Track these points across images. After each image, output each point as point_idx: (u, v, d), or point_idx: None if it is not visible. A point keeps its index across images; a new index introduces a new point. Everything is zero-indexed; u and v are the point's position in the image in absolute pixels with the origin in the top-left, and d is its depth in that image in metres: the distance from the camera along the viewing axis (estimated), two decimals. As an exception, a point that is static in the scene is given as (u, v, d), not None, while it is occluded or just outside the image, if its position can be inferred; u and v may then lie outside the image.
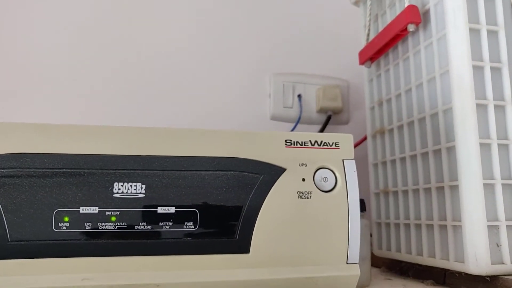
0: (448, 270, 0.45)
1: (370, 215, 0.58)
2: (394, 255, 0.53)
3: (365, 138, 0.63)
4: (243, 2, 0.79)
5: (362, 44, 0.60)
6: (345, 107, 0.80)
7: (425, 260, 0.47)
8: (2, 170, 0.30)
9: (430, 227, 0.46)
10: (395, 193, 0.53)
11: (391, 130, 0.54)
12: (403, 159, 0.52)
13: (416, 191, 0.49)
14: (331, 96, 0.78)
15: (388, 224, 0.55)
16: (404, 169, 0.51)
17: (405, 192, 0.51)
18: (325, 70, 0.80)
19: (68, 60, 0.70)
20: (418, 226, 0.48)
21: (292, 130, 0.75)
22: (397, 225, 0.53)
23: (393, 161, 0.54)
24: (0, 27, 0.68)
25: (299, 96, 0.78)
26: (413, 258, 0.49)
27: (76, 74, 0.70)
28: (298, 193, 0.33)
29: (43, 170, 0.30)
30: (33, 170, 0.30)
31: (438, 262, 0.45)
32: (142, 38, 0.73)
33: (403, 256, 0.51)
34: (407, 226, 0.51)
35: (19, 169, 0.30)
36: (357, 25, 0.66)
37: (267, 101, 0.77)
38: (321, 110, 0.78)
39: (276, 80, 0.77)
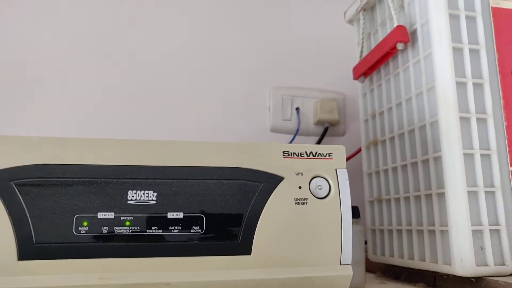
0: (438, 272, 0.48)
1: (365, 222, 0.61)
2: (388, 259, 0.56)
3: (359, 150, 0.66)
4: (244, 19, 0.83)
5: (356, 60, 0.63)
6: (342, 119, 0.83)
7: (416, 263, 0.50)
8: (28, 180, 0.33)
9: (420, 232, 0.50)
10: (388, 201, 0.56)
11: (383, 142, 0.58)
12: (394, 169, 0.55)
13: (407, 198, 0.52)
14: (328, 109, 0.81)
15: (382, 230, 0.58)
16: (396, 178, 0.55)
17: (397, 200, 0.54)
18: (322, 84, 0.84)
19: (67, 68, 0.73)
20: (410, 232, 0.51)
21: (291, 141, 0.79)
22: (390, 231, 0.56)
23: (385, 171, 0.57)
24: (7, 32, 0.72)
25: (297, 109, 0.81)
26: (405, 262, 0.52)
27: (75, 83, 0.73)
28: (295, 199, 0.37)
29: (64, 179, 0.33)
30: (56, 179, 0.33)
31: (428, 265, 0.48)
32: (142, 51, 0.77)
33: (396, 261, 0.54)
34: (399, 231, 0.54)
35: (43, 179, 0.33)
36: (353, 41, 0.70)
37: (266, 113, 0.81)
38: (318, 122, 0.81)
39: (275, 93, 0.81)
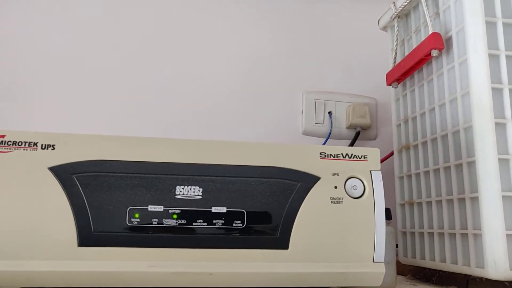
0: (470, 276, 0.48)
1: (396, 225, 0.62)
2: (419, 262, 0.57)
3: (391, 154, 0.67)
4: (279, 25, 0.85)
5: (390, 66, 0.64)
6: (373, 123, 0.84)
7: (448, 266, 0.51)
8: (88, 174, 0.36)
9: (452, 235, 0.50)
10: (419, 204, 0.57)
11: (415, 146, 0.59)
12: (427, 173, 0.56)
13: (439, 202, 0.53)
14: (360, 113, 0.82)
15: (413, 233, 0.58)
16: (428, 182, 0.55)
17: (429, 203, 0.55)
18: (354, 89, 0.85)
19: (119, 80, 0.78)
20: (441, 235, 0.52)
21: (323, 145, 0.80)
22: (421, 234, 0.56)
23: (417, 174, 0.58)
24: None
25: (330, 113, 0.83)
26: (437, 265, 0.53)
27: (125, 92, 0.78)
28: (331, 198, 0.38)
29: (119, 174, 0.37)
30: (112, 174, 0.37)
31: (460, 268, 0.49)
32: (187, 59, 0.81)
33: (427, 263, 0.55)
34: (431, 234, 0.54)
35: (100, 173, 0.36)
36: (385, 48, 0.71)
37: (299, 117, 0.83)
38: (350, 126, 0.82)
39: (308, 97, 0.83)
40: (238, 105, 0.81)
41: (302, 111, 0.83)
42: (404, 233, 0.60)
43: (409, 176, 0.60)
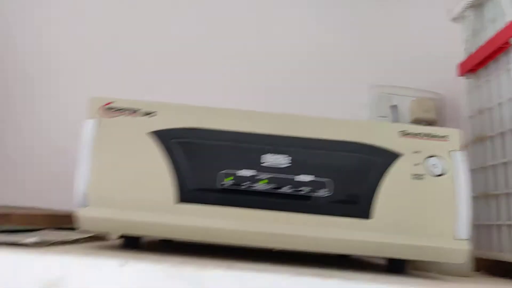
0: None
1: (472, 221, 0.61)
2: (496, 255, 0.56)
3: (464, 146, 0.66)
4: (345, 22, 0.87)
5: (461, 57, 0.64)
6: (439, 119, 0.83)
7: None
8: (185, 140, 0.40)
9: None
10: (496, 196, 0.56)
11: (492, 137, 0.58)
12: (505, 164, 0.55)
13: (517, 193, 0.52)
14: (425, 108, 0.82)
15: (488, 226, 0.58)
16: (506, 173, 0.55)
17: (508, 195, 0.54)
18: (419, 83, 0.85)
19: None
20: (518, 226, 0.52)
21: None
22: (499, 227, 0.56)
23: (494, 166, 0.57)
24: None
25: (394, 106, 0.83)
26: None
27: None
28: (412, 175, 0.40)
29: (213, 141, 0.40)
30: (206, 141, 0.40)
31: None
32: (267, 49, 0.84)
33: (506, 257, 0.54)
34: (510, 227, 0.53)
35: (197, 140, 0.40)
36: (451, 43, 0.71)
37: (363, 110, 0.84)
38: (414, 121, 0.82)
39: (372, 91, 0.83)
40: (303, 97, 0.83)
41: (367, 104, 0.84)
42: (477, 226, 0.60)
43: (484, 168, 0.60)
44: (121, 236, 0.47)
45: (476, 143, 0.62)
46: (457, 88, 0.75)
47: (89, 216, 0.40)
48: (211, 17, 0.86)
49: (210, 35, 0.86)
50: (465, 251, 0.39)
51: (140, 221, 0.39)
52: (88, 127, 0.40)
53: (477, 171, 0.61)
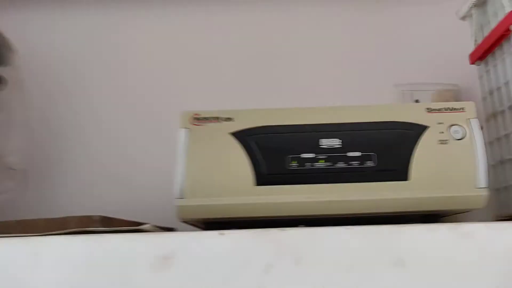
0: None
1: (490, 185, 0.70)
2: (515, 211, 0.65)
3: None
4: (367, 25, 0.99)
5: (467, 54, 0.75)
6: (459, 106, 0.93)
7: (545, 206, 0.59)
8: (257, 135, 0.52)
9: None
10: (511, 160, 0.66)
11: (502, 112, 0.68)
12: (517, 132, 0.64)
13: (531, 154, 0.61)
14: (445, 99, 0.92)
15: (507, 188, 0.67)
16: (518, 140, 0.64)
17: (522, 157, 0.63)
18: (438, 78, 0.95)
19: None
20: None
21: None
22: (516, 186, 0.65)
23: (506, 136, 0.67)
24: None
25: (417, 101, 0.93)
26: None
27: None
28: (439, 141, 0.50)
29: (280, 134, 0.52)
30: (273, 134, 0.52)
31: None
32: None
33: (525, 210, 0.63)
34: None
35: (266, 134, 0.52)
36: (462, 40, 0.81)
37: (389, 107, 0.94)
38: (437, 111, 0.92)
39: (396, 89, 0.94)
40: (334, 99, 0.94)
41: (393, 102, 0.94)
42: (498, 190, 0.69)
43: (499, 139, 0.69)
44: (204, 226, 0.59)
45: (489, 120, 0.71)
46: (470, 78, 0.85)
47: (186, 205, 0.51)
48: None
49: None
50: (485, 196, 0.49)
51: (227, 203, 0.50)
52: (182, 135, 0.52)
53: (493, 143, 0.70)
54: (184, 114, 0.53)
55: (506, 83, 0.67)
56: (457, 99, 0.94)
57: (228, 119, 0.53)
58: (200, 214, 0.52)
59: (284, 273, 0.44)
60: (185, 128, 0.53)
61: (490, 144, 0.71)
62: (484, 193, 0.49)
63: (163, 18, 1.00)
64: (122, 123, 0.94)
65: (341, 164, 0.50)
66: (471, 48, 0.74)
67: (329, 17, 0.99)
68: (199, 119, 0.53)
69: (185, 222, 0.58)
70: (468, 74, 0.83)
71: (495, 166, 0.70)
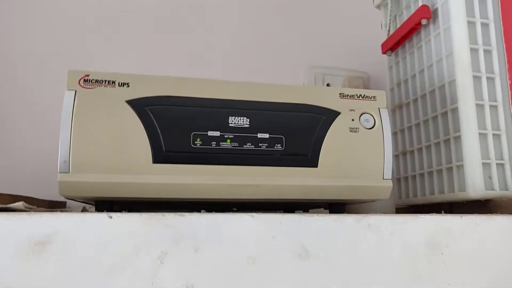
0: (454, 202, 0.59)
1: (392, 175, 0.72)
2: (412, 200, 0.68)
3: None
4: (282, 9, 0.95)
5: (383, 40, 0.75)
6: (366, 94, 0.95)
7: (437, 197, 0.62)
8: (158, 106, 0.45)
9: (439, 171, 0.61)
10: (412, 152, 0.68)
11: (407, 104, 0.69)
12: (417, 125, 0.67)
13: (428, 147, 0.64)
14: (354, 85, 0.93)
15: (406, 178, 0.69)
16: (418, 132, 0.66)
17: (420, 150, 0.66)
18: (349, 64, 0.96)
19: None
20: (430, 173, 0.63)
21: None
22: (413, 177, 0.67)
23: (409, 128, 0.69)
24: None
25: (328, 85, 0.93)
26: (427, 198, 0.64)
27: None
28: (349, 128, 0.49)
29: (183, 107, 0.46)
30: (177, 107, 0.46)
31: (446, 196, 0.60)
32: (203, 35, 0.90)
33: (419, 199, 0.66)
34: (421, 175, 0.65)
35: (168, 106, 0.45)
36: (376, 27, 0.82)
37: (301, 89, 0.93)
38: (346, 97, 0.93)
39: (309, 72, 0.93)
40: (245, 74, 0.90)
41: (304, 83, 0.93)
42: (399, 179, 0.71)
43: (402, 131, 0.71)
44: (93, 203, 0.51)
45: (394, 111, 0.73)
46: (381, 66, 0.87)
47: (70, 181, 0.43)
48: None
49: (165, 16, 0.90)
50: (390, 187, 0.49)
51: (119, 182, 0.44)
52: (68, 98, 0.44)
53: (396, 134, 0.72)
54: (72, 73, 0.44)
55: (413, 76, 0.68)
56: (365, 87, 0.96)
57: (124, 84, 0.45)
58: (87, 192, 0.45)
59: (181, 262, 0.39)
60: (72, 90, 0.44)
61: (394, 134, 0.73)
62: (389, 184, 0.49)
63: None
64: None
65: (249, 146, 0.46)
66: (384, 37, 0.75)
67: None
68: (90, 81, 0.45)
69: (71, 199, 0.50)
70: (379, 63, 0.84)
71: (397, 156, 0.72)
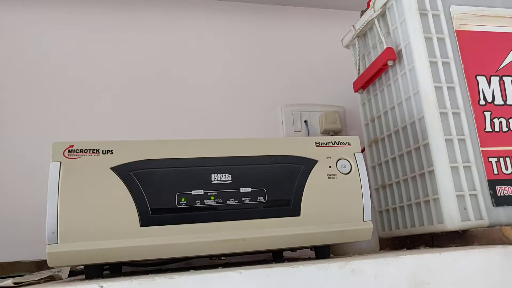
0: (434, 233, 0.61)
1: (374, 206, 0.75)
2: (395, 232, 0.70)
3: (363, 149, 0.80)
4: (258, 54, 0.99)
5: (355, 77, 0.79)
6: (343, 127, 0.98)
7: (418, 229, 0.64)
8: (142, 170, 0.47)
9: (418, 204, 0.64)
10: (390, 185, 0.71)
11: (382, 139, 0.72)
12: (393, 159, 0.69)
13: (405, 180, 0.67)
14: (331, 120, 0.96)
15: (387, 210, 0.72)
16: (395, 166, 0.69)
17: (398, 183, 0.69)
18: (325, 100, 1.00)
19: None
20: (410, 206, 0.66)
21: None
22: (394, 209, 0.70)
23: (386, 162, 0.72)
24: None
25: (306, 121, 0.96)
26: (409, 230, 0.66)
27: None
28: (328, 175, 0.51)
29: (166, 169, 0.47)
30: (160, 169, 0.47)
31: (426, 228, 0.62)
32: (178, 76, 0.92)
33: (402, 231, 0.68)
34: (402, 208, 0.68)
35: (152, 169, 0.47)
36: (349, 64, 0.86)
37: (280, 127, 0.96)
38: (324, 132, 0.96)
39: (286, 110, 0.96)
40: (229, 120, 0.92)
41: (282, 121, 0.96)
42: (381, 212, 0.74)
43: (380, 165, 0.74)
44: (83, 270, 0.52)
45: (371, 145, 0.76)
46: (355, 101, 0.90)
47: (59, 251, 0.44)
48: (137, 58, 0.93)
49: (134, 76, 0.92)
50: (371, 229, 0.51)
51: (108, 248, 0.45)
52: (54, 169, 0.45)
53: (374, 168, 0.75)
54: (56, 145, 0.46)
55: (385, 113, 0.72)
56: (342, 120, 1.00)
57: (108, 151, 0.47)
58: (76, 261, 0.45)
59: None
60: (57, 161, 0.46)
61: (372, 168, 0.76)
62: (370, 226, 0.51)
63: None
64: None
65: (232, 201, 0.48)
66: (356, 73, 0.79)
67: (223, 39, 0.98)
68: (74, 152, 0.46)
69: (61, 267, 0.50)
70: (354, 96, 0.87)
71: (377, 190, 0.74)
